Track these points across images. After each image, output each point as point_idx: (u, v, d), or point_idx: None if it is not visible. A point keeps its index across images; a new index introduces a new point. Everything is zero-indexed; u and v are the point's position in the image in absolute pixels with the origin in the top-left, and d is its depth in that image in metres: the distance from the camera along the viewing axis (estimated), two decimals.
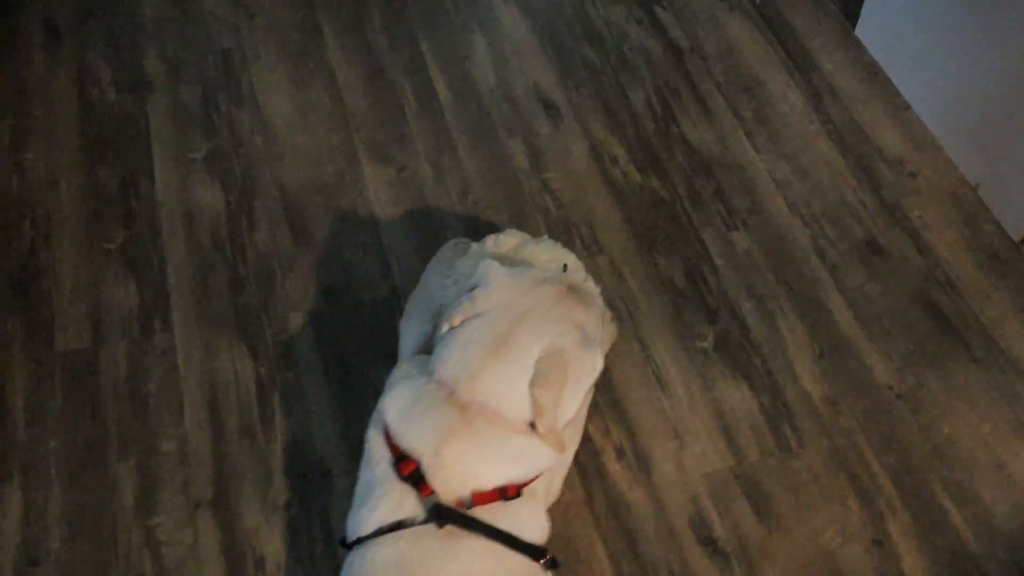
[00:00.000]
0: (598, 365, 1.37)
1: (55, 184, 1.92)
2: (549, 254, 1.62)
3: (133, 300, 1.77)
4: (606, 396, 1.68)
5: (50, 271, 1.80)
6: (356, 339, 1.74)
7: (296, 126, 2.03)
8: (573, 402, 1.35)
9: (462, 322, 1.34)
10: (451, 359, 1.33)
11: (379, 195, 1.93)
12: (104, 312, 1.75)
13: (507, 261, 1.58)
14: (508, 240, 1.63)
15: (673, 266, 1.86)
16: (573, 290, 1.40)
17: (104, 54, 2.14)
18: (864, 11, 2.21)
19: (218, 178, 1.94)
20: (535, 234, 1.74)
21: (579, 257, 1.79)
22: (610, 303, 1.79)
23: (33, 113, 2.03)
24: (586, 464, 1.62)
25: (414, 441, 1.31)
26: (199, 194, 1.92)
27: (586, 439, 1.62)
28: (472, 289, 1.37)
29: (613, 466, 1.62)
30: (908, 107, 2.11)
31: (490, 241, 1.63)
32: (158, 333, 1.73)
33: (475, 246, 1.63)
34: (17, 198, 1.89)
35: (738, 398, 1.69)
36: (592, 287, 1.63)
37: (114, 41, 2.17)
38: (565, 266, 1.59)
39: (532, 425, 1.32)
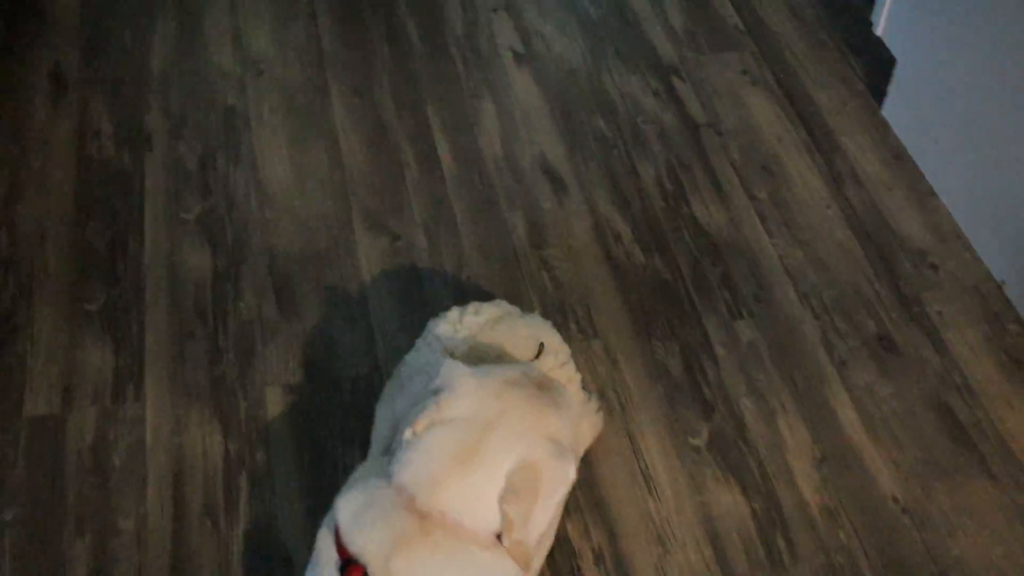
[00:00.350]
0: (571, 475, 1.29)
1: (43, 240, 1.88)
2: (529, 331, 1.55)
3: (108, 365, 1.71)
4: (589, 494, 1.59)
5: (27, 331, 1.75)
6: (333, 419, 1.67)
7: (293, 190, 1.98)
8: (544, 516, 1.28)
9: (425, 428, 1.26)
10: (413, 465, 1.25)
11: (371, 266, 1.87)
12: (77, 376, 1.70)
13: (485, 333, 1.51)
14: (492, 310, 1.56)
15: (671, 354, 1.76)
16: (544, 389, 1.32)
17: (108, 107, 2.11)
18: (891, 90, 2.11)
19: (208, 241, 1.89)
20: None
21: (572, 340, 1.71)
22: (601, 392, 1.70)
23: (31, 165, 2.00)
24: (561, 567, 1.52)
25: (364, 547, 1.23)
26: (187, 257, 1.87)
27: (563, 539, 1.53)
28: (436, 392, 1.29)
29: (590, 571, 1.52)
30: (933, 194, 2.00)
31: (471, 308, 1.56)
32: (130, 402, 1.67)
33: (454, 312, 1.56)
34: (4, 255, 1.85)
35: (729, 502, 1.59)
36: (572, 372, 1.56)
37: (119, 94, 2.13)
38: (542, 346, 1.51)
39: (498, 537, 1.24)
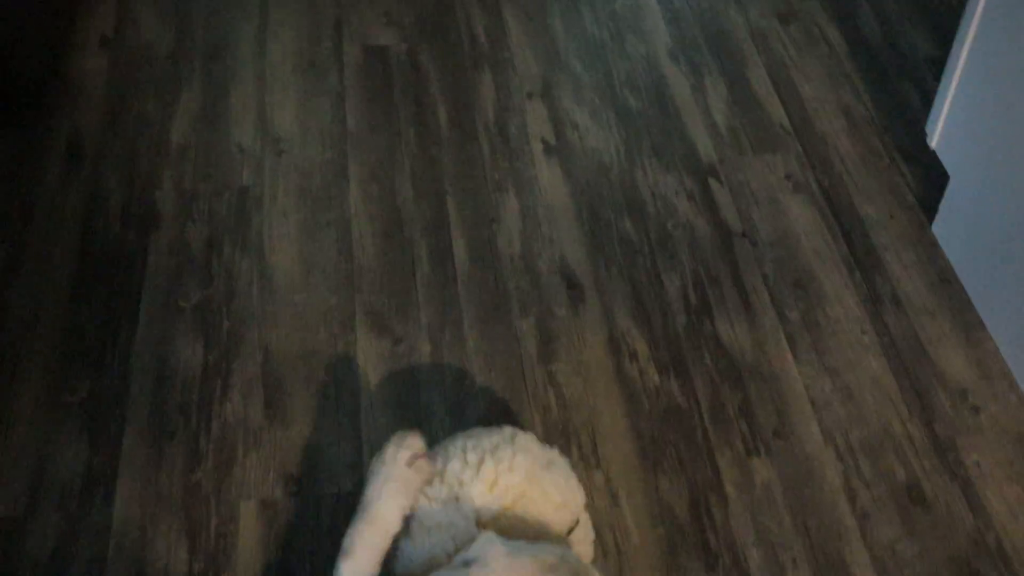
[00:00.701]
0: None
1: (35, 321, 1.81)
2: (561, 496, 1.39)
3: (80, 465, 1.63)
4: None
5: (3, 423, 1.68)
6: (307, 541, 1.56)
7: (297, 281, 1.89)
8: None
9: None
10: None
11: (368, 370, 1.77)
12: (47, 475, 1.62)
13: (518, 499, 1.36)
14: (522, 464, 1.38)
15: (677, 492, 1.63)
16: None
17: (120, 180, 2.05)
18: (943, 207, 1.97)
19: (202, 333, 1.81)
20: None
21: (574, 468, 1.58)
22: (597, 530, 1.57)
23: (34, 237, 1.94)
24: None
25: None
26: (178, 349, 1.79)
27: None
28: (467, 564, 1.20)
29: None
30: (981, 326, 1.85)
31: (505, 464, 1.37)
32: (97, 507, 1.59)
33: (489, 470, 1.37)
34: None
35: None
36: (588, 529, 1.45)
37: (134, 166, 2.07)
38: (576, 522, 1.41)
39: None
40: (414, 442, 1.36)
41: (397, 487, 1.31)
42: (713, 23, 2.43)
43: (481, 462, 1.37)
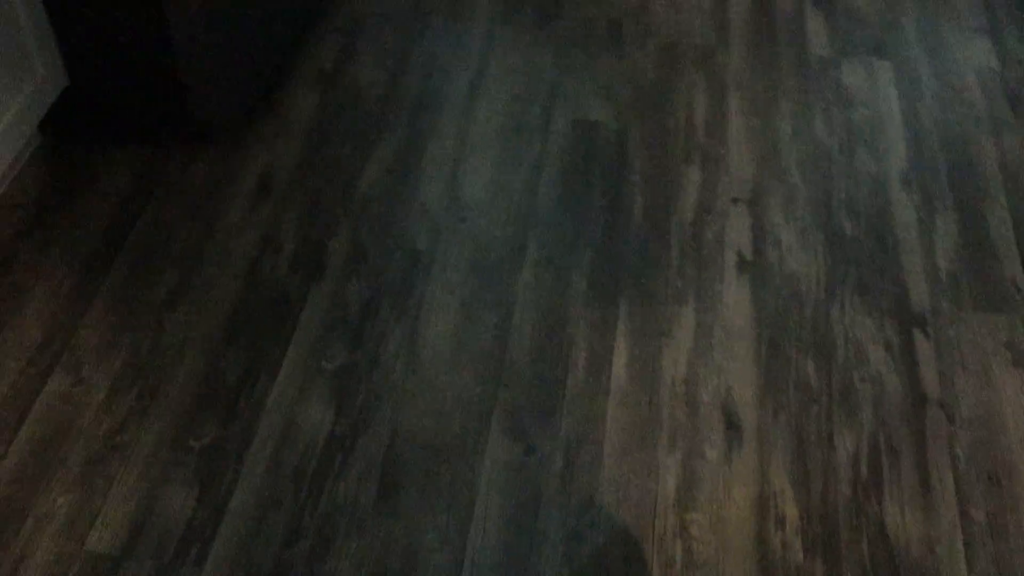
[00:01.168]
0: None
1: (180, 356, 1.81)
2: None
3: (185, 515, 1.60)
4: None
5: (126, 455, 1.67)
6: None
7: (444, 362, 1.81)
8: None
9: None
10: None
11: (492, 477, 1.66)
12: (151, 519, 1.60)
13: None
14: None
15: None
16: None
17: (299, 223, 2.03)
18: None
19: (337, 399, 1.75)
20: None
21: None
22: None
23: (203, 270, 1.94)
24: None
25: None
26: (310, 411, 1.73)
27: None
28: None
29: None
30: None
31: None
32: (187, 566, 1.55)
33: None
34: (140, 363, 1.80)
35: None
36: None
37: (316, 211, 2.05)
38: None
39: None
40: None
41: None
42: (959, 149, 2.18)
43: None
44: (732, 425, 1.73)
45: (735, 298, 1.91)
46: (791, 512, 1.62)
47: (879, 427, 1.72)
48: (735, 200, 2.08)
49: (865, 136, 2.21)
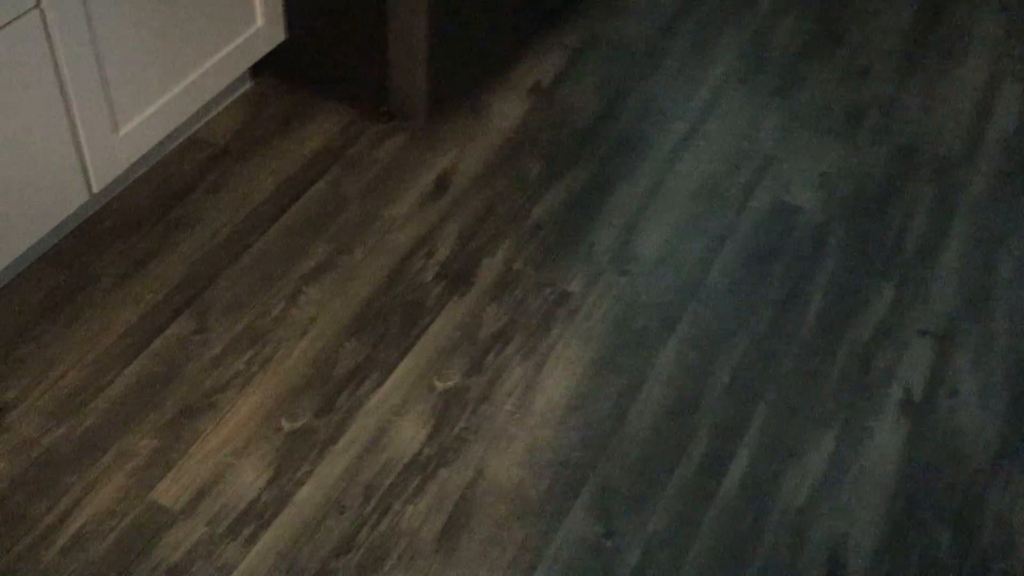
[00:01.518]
0: None
1: (302, 333, 1.79)
2: None
3: (252, 493, 1.58)
4: None
5: (218, 416, 1.67)
6: None
7: (555, 416, 1.71)
8: None
9: None
10: None
11: (561, 550, 1.55)
12: (218, 486, 1.58)
13: None
14: None
15: None
16: None
17: (460, 231, 1.97)
18: None
19: (435, 421, 1.69)
20: None
21: None
22: None
23: (353, 253, 1.92)
24: None
25: None
26: (404, 426, 1.68)
27: None
28: None
29: None
30: None
31: None
32: (238, 543, 1.53)
33: None
34: (262, 329, 1.79)
35: None
36: None
37: (480, 224, 1.99)
38: None
39: None
40: None
41: None
42: None
43: None
44: (834, 574, 1.55)
45: (886, 439, 1.72)
46: None
47: None
48: (923, 332, 1.88)
49: None
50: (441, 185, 2.06)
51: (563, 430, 1.70)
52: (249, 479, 1.60)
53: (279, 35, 2.07)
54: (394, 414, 1.69)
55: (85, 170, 1.76)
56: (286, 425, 1.67)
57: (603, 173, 2.11)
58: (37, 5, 1.54)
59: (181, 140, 2.08)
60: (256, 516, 1.56)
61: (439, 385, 1.74)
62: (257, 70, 2.20)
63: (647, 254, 1.97)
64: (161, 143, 2.02)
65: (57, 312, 1.78)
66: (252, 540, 1.53)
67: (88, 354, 1.73)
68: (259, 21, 2.01)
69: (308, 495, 1.59)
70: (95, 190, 1.79)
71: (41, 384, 1.68)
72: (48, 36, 1.59)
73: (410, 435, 1.67)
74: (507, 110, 2.22)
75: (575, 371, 1.78)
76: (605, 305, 1.88)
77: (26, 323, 1.76)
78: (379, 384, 1.73)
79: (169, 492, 1.57)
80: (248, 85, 2.20)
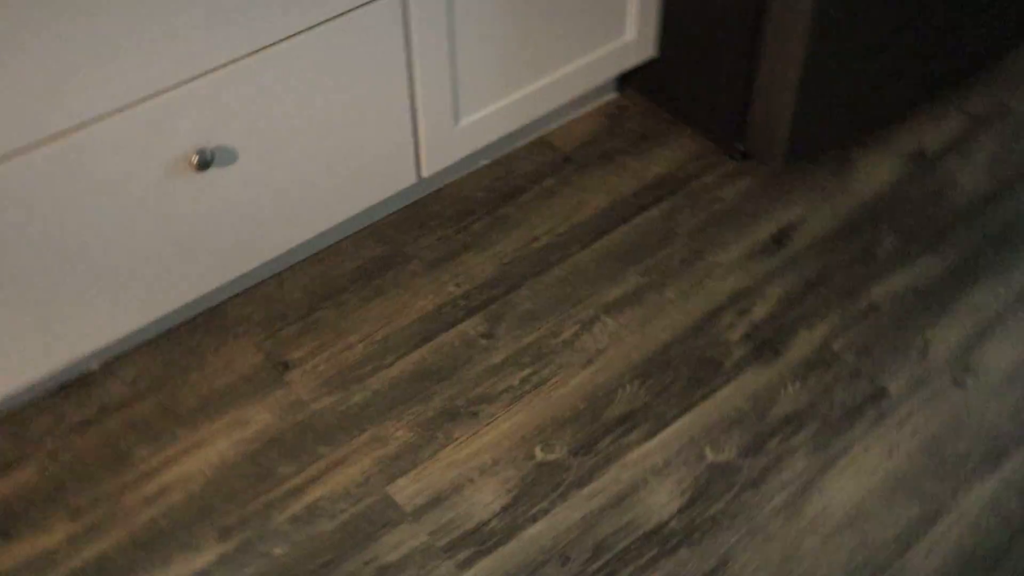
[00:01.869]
0: None
1: (586, 363, 1.71)
2: None
3: (484, 515, 1.53)
4: None
5: (476, 426, 1.63)
6: None
7: (825, 526, 1.51)
8: None
9: None
10: None
11: None
12: (453, 498, 1.55)
13: None
14: None
15: None
16: None
17: (785, 295, 1.80)
18: None
19: (691, 494, 1.55)
20: None
21: None
22: None
23: (664, 289, 1.81)
24: None
25: None
26: (658, 490, 1.55)
27: None
28: None
29: None
30: None
31: None
32: (452, 563, 1.48)
33: None
34: (547, 348, 1.73)
35: None
36: None
37: (810, 290, 1.80)
38: None
39: None
40: None
41: None
42: None
43: None
44: None
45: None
46: None
47: None
48: None
49: None
50: (778, 240, 1.89)
51: (831, 546, 1.49)
52: (486, 500, 1.55)
53: (648, 51, 1.98)
54: (652, 473, 1.57)
55: (418, 154, 1.78)
56: (539, 454, 1.60)
57: (967, 264, 1.84)
58: None
59: (528, 140, 2.06)
60: (479, 540, 1.50)
61: (710, 456, 1.59)
62: (622, 83, 2.13)
63: (994, 368, 1.69)
64: (506, 139, 2.01)
65: (364, 284, 1.82)
66: (467, 564, 1.48)
67: (379, 331, 1.75)
68: (629, 34, 1.93)
69: (537, 534, 1.51)
70: (424, 174, 1.80)
71: (328, 351, 1.72)
72: (405, 20, 1.61)
73: (662, 501, 1.54)
74: (875, 172, 2.00)
75: (866, 483, 1.56)
76: (924, 415, 1.64)
77: (334, 288, 1.81)
78: (647, 437, 1.62)
79: (406, 490, 1.56)
80: (610, 96, 2.13)
